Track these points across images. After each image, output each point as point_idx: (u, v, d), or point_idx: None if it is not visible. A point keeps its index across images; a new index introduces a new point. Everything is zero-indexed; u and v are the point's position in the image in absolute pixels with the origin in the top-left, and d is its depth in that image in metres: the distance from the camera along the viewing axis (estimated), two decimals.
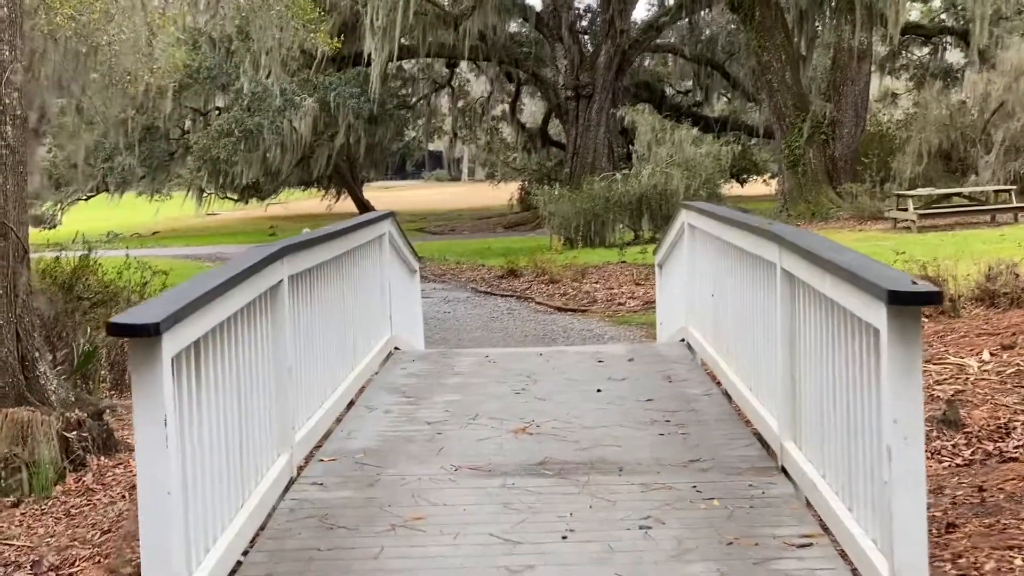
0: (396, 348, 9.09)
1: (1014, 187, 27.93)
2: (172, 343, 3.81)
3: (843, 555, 4.37)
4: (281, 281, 5.42)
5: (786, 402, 5.31)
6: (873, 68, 35.24)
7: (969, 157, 30.76)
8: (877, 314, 3.77)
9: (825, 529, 4.56)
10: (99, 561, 5.64)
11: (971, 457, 6.46)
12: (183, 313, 3.88)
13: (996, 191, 28.18)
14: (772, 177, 55.13)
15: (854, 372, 4.18)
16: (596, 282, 19.80)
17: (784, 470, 5.35)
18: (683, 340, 9.08)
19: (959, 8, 42.57)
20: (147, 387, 3.70)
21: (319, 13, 26.46)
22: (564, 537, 4.67)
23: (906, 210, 26.87)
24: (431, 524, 4.86)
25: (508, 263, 21.96)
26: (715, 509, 4.92)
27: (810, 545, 4.47)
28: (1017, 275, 14.24)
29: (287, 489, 5.35)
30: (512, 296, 19.27)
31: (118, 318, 3.83)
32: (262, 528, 4.86)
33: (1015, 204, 27.16)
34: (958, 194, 28.21)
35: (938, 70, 44.78)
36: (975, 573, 4.60)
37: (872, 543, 4.01)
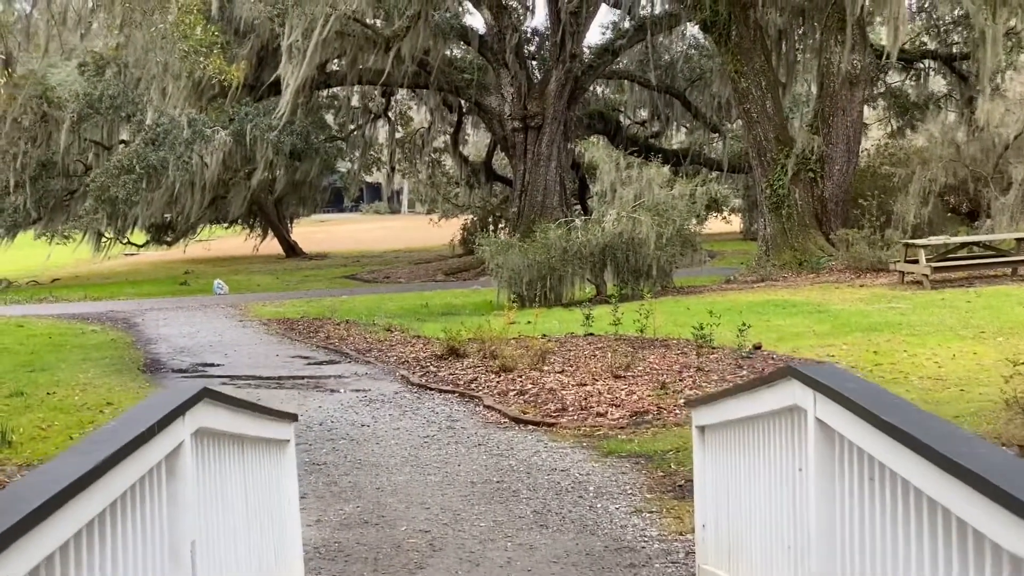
0: None
1: None
2: None
3: None
4: None
5: None
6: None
7: (981, 198, 26.69)
8: None
9: None
10: None
11: None
12: None
13: (1019, 240, 24.19)
14: (732, 212, 51.36)
15: None
16: (561, 370, 15.32)
17: None
18: None
19: (942, 30, 38.84)
20: None
21: (216, 35, 21.83)
22: None
23: (916, 262, 22.74)
24: None
25: (449, 339, 17.49)
26: None
27: None
28: None
29: None
30: (454, 393, 14.71)
31: None
32: None
33: None
34: (976, 243, 24.13)
35: (920, 99, 41.05)
36: None
37: None
